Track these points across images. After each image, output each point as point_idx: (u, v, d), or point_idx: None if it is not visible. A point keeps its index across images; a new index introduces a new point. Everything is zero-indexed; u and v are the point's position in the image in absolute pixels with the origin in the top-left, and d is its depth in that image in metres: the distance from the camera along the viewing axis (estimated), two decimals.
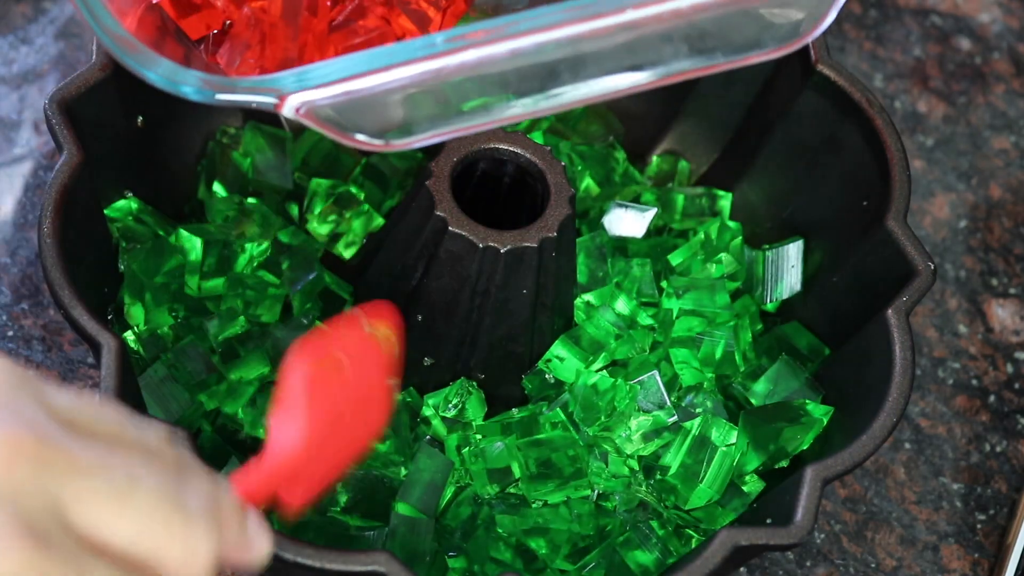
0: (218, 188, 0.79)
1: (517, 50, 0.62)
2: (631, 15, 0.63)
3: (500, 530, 0.72)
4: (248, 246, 0.77)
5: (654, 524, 0.72)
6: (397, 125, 0.63)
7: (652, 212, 0.81)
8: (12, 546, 0.42)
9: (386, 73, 0.61)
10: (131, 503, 0.44)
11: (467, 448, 0.74)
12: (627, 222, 0.81)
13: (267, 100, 0.60)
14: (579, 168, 0.82)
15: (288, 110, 0.60)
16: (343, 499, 0.71)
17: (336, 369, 0.56)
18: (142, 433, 0.48)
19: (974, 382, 0.85)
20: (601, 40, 0.63)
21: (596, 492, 0.74)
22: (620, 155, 0.84)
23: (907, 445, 0.83)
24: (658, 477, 0.74)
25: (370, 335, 0.59)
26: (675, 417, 0.74)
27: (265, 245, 0.77)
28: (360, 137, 0.63)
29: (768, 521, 0.68)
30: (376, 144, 0.63)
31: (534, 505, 0.73)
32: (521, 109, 0.65)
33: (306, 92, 0.60)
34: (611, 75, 0.65)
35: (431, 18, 0.70)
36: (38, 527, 0.43)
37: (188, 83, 0.61)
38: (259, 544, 0.50)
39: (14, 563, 0.42)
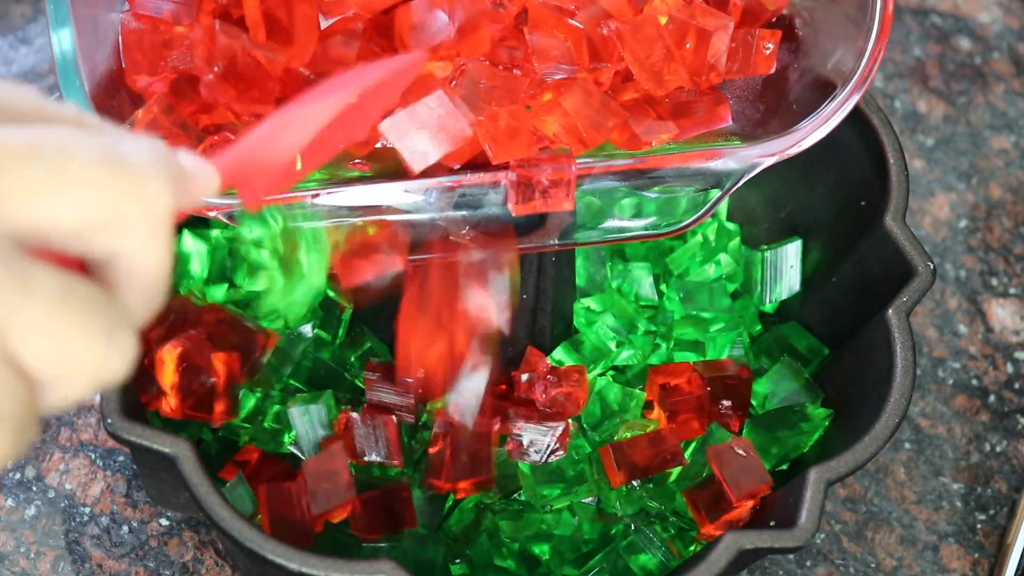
0: None
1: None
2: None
3: (503, 536, 0.72)
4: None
5: (657, 528, 0.72)
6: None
7: None
8: None
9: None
10: (68, 176, 0.41)
11: None
12: None
13: None
14: None
15: None
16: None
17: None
18: (60, 107, 0.44)
19: (974, 382, 0.85)
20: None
21: (599, 497, 0.74)
22: None
23: (907, 445, 0.83)
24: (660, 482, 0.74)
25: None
26: None
27: None
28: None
29: (772, 524, 0.68)
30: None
31: (537, 511, 0.73)
32: None
33: None
34: None
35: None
36: None
37: None
38: (205, 173, 0.47)
39: None
